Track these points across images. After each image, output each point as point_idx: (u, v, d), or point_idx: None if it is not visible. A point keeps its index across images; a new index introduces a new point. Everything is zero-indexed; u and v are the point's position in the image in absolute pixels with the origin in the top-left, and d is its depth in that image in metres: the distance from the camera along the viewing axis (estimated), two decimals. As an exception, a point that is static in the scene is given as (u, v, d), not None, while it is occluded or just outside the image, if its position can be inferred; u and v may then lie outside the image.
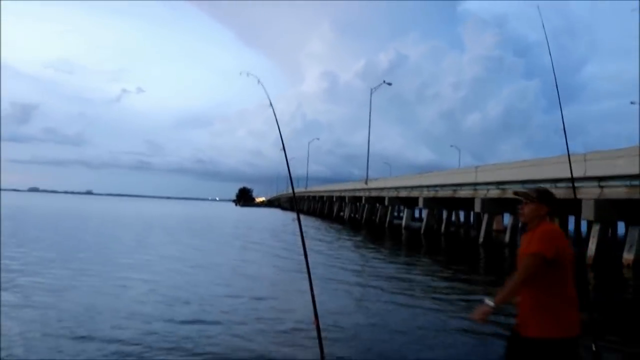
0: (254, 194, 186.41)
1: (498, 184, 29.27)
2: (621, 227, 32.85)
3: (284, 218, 64.81)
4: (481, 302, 3.13)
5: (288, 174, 5.22)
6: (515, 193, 3.62)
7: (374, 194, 55.47)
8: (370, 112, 59.86)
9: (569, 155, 5.51)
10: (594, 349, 3.61)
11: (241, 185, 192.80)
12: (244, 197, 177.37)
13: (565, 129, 5.12)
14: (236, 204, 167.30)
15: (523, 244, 3.31)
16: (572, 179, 6.72)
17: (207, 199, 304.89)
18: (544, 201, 3.42)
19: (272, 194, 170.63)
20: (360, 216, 60.24)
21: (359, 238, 34.00)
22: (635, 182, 19.84)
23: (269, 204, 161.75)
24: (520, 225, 35.37)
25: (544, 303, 3.10)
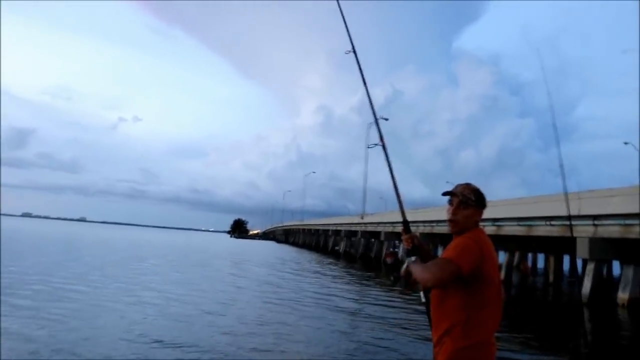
0: (249, 226, 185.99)
1: (494, 220, 29.49)
2: (616, 266, 32.99)
3: (280, 252, 64.60)
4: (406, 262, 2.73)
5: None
6: (445, 193, 2.80)
7: (370, 228, 55.55)
8: (366, 148, 60.40)
9: (566, 193, 5.74)
10: None
11: (236, 217, 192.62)
12: (239, 229, 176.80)
13: (560, 167, 5.32)
14: (231, 236, 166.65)
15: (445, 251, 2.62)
16: (570, 217, 6.97)
17: (201, 230, 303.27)
18: (481, 204, 2.72)
19: (267, 226, 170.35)
20: (356, 250, 60.18)
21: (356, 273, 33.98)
22: (630, 222, 20.10)
23: (264, 236, 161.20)
24: (516, 262, 35.54)
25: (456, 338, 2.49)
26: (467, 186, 2.76)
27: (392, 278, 2.73)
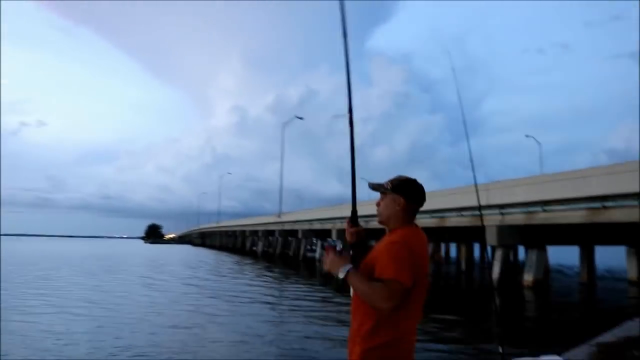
0: (164, 230, 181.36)
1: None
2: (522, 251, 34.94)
3: (197, 255, 63.26)
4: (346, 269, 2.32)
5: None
6: (370, 184, 2.60)
7: (287, 227, 55.61)
8: (282, 147, 60.39)
9: (476, 186, 5.91)
10: (500, 351, 3.55)
11: (150, 222, 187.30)
12: (153, 234, 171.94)
13: (468, 161, 5.47)
14: (145, 241, 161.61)
15: (373, 252, 2.41)
16: (480, 207, 7.23)
17: (114, 237, 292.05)
18: (404, 193, 2.46)
19: (183, 229, 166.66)
20: (274, 250, 60.06)
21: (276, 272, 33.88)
22: (532, 209, 21.33)
23: (180, 240, 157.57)
24: (430, 253, 36.75)
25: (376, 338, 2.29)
26: (393, 178, 2.54)
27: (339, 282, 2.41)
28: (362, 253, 2.52)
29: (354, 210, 2.68)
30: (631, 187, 16.92)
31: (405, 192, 2.47)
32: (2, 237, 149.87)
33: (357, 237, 2.58)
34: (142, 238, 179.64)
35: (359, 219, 2.63)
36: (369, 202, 3.33)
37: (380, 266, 2.29)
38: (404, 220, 2.47)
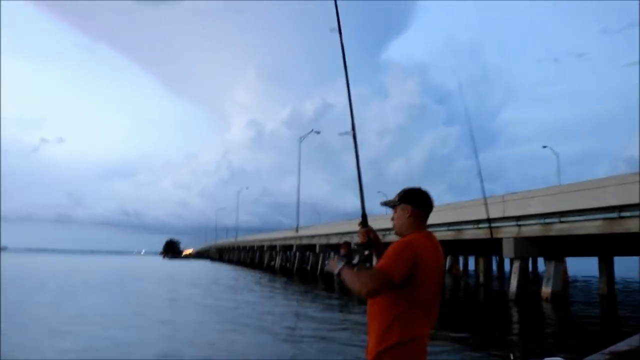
0: (182, 246, 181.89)
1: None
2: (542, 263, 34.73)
3: (215, 271, 63.56)
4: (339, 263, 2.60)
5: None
6: (381, 203, 2.92)
7: (305, 241, 55.71)
8: (299, 161, 60.66)
9: (485, 198, 6.08)
10: (512, 357, 3.68)
11: (168, 237, 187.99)
12: (171, 249, 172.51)
13: (482, 174, 5.67)
14: (163, 257, 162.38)
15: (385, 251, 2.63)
16: (489, 219, 7.40)
17: (132, 252, 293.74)
18: (410, 201, 2.71)
19: (201, 244, 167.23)
20: (292, 265, 60.07)
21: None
22: (549, 220, 21.31)
23: (198, 255, 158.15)
24: (448, 266, 36.67)
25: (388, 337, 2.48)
26: (403, 189, 2.78)
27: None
28: (375, 250, 2.82)
29: (364, 213, 2.99)
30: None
31: (411, 199, 2.71)
32: (25, 251, 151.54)
33: (367, 237, 2.83)
34: (161, 253, 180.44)
35: (377, 232, 2.97)
36: (384, 217, 3.64)
37: (381, 259, 2.55)
38: (415, 227, 2.68)
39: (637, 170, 18.31)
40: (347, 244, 2.74)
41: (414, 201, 2.71)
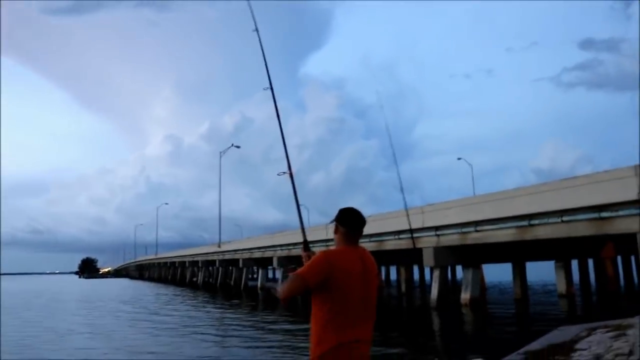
0: (99, 264, 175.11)
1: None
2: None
3: (134, 288, 61.33)
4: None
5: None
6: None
7: (227, 256, 55.00)
8: (220, 176, 59.82)
9: (406, 209, 6.23)
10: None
11: (84, 256, 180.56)
12: (88, 268, 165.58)
13: (402, 186, 5.79)
14: (79, 276, 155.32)
15: None
16: (411, 230, 7.58)
17: (45, 273, 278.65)
18: (338, 220, 3.02)
19: (119, 262, 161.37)
20: (215, 280, 59.10)
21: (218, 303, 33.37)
22: (465, 229, 22.13)
23: (116, 273, 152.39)
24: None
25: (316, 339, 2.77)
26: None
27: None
28: None
29: (305, 239, 3.48)
30: (554, 205, 17.94)
31: (338, 218, 3.02)
32: None
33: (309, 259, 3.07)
34: (77, 273, 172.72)
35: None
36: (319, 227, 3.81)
37: (302, 267, 2.87)
38: (341, 242, 2.99)
39: (545, 180, 19.44)
40: (293, 268, 2.94)
41: (340, 220, 3.01)
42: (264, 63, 3.76)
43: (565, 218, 17.74)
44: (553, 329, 10.24)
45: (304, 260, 3.18)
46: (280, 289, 2.80)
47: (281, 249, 40.71)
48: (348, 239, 2.98)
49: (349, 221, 3.00)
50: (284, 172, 3.89)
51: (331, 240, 3.19)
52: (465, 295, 23.64)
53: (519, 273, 27.54)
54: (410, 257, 33.58)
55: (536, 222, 18.93)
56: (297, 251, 34.19)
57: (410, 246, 24.92)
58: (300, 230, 3.58)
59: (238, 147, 60.03)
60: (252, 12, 4.61)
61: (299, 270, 2.82)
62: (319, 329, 2.77)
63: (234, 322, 21.84)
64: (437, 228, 23.49)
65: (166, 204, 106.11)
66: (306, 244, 3.41)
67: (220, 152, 60.27)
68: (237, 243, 53.50)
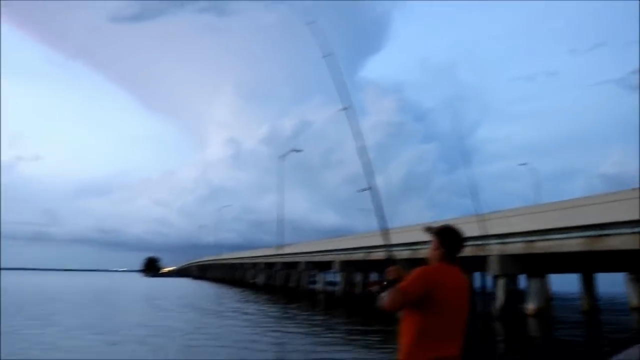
0: (163, 263, 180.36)
1: (409, 245, 30.58)
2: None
3: (199, 289, 62.85)
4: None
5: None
6: (426, 229, 3.26)
7: (288, 259, 55.67)
8: (280, 181, 60.61)
9: (477, 215, 6.30)
10: None
11: (148, 255, 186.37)
12: (151, 267, 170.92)
13: (465, 191, 5.91)
14: (143, 275, 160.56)
15: None
16: (478, 237, 7.62)
17: (111, 270, 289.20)
18: (439, 237, 3.10)
19: (181, 262, 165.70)
20: (275, 282, 59.88)
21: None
22: (531, 238, 21.69)
23: (179, 273, 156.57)
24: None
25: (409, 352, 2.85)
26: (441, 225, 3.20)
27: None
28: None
29: (392, 255, 3.44)
30: (628, 216, 17.35)
31: (440, 235, 3.11)
32: (2, 271, 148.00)
33: (397, 274, 3.13)
34: (141, 271, 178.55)
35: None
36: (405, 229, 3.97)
37: (403, 281, 2.92)
38: (439, 259, 3.06)
39: (613, 190, 18.83)
40: (381, 281, 3.05)
41: (443, 240, 3.08)
42: (339, 85, 3.77)
43: (638, 229, 17.18)
44: (629, 347, 9.95)
45: (390, 275, 3.15)
46: (384, 300, 2.86)
47: (343, 254, 40.94)
48: (447, 258, 3.05)
49: (453, 243, 3.09)
50: (365, 189, 3.96)
51: (394, 245, 3.28)
52: (530, 306, 23.17)
53: (587, 284, 26.74)
54: (473, 264, 33.11)
55: (607, 232, 18.40)
56: (358, 255, 34.47)
57: (474, 254, 24.61)
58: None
59: (298, 151, 60.59)
60: (324, 37, 4.36)
61: (402, 283, 2.87)
62: (411, 343, 2.84)
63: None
64: (501, 236, 23.13)
65: (228, 205, 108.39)
66: (393, 260, 3.36)
67: (280, 157, 61.07)
68: (298, 246, 54.08)
